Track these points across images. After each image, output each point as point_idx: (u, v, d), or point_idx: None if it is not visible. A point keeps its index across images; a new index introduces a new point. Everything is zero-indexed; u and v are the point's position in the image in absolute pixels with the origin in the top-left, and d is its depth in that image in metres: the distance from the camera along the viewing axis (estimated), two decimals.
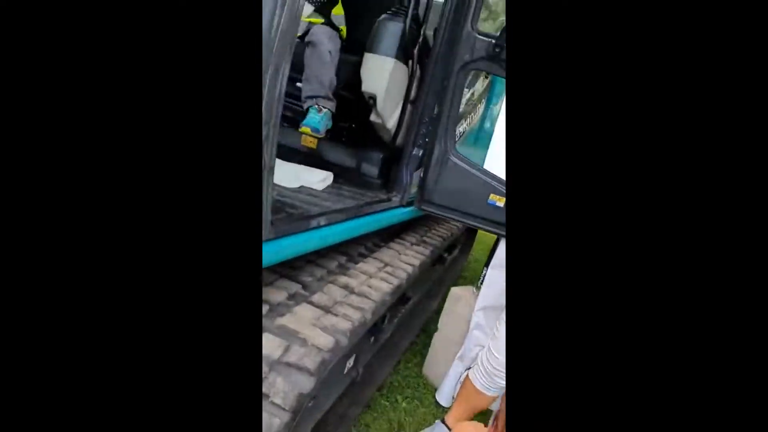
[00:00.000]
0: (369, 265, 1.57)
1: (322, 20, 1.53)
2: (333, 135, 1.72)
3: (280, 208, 1.20)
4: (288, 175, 1.49)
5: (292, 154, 1.81)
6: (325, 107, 1.41)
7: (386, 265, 1.62)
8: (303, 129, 1.42)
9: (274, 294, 1.23)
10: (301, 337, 1.08)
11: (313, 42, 1.38)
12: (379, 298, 1.36)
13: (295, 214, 1.18)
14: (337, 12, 1.63)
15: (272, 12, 0.85)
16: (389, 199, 1.61)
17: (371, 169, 1.65)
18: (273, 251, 1.09)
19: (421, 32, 1.49)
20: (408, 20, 1.42)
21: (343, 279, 1.41)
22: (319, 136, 1.47)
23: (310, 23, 1.51)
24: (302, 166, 1.63)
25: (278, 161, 1.66)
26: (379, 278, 1.49)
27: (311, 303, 1.23)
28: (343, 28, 1.67)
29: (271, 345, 1.03)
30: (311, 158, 1.77)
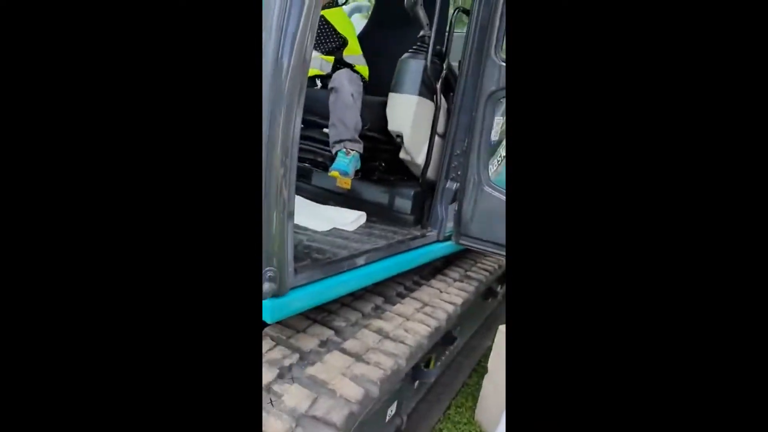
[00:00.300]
0: (406, 306, 1.52)
1: (332, 59, 1.58)
2: (365, 175, 1.73)
3: (306, 254, 1.20)
4: (319, 218, 1.50)
5: (329, 196, 1.84)
6: (352, 150, 1.43)
7: (425, 305, 1.56)
8: (332, 173, 1.44)
9: (305, 341, 1.22)
10: (330, 388, 1.04)
11: (335, 87, 1.42)
12: (416, 342, 1.29)
13: (321, 259, 1.18)
14: (351, 52, 1.67)
15: (279, 53, 0.88)
16: (423, 235, 1.56)
17: (404, 206, 1.63)
18: (298, 299, 1.09)
19: (444, 65, 1.48)
20: (429, 56, 1.42)
21: (377, 323, 1.36)
22: (349, 179, 1.48)
23: (324, 63, 1.57)
24: (334, 208, 1.64)
25: (310, 204, 1.69)
26: (416, 320, 1.43)
27: (343, 350, 1.20)
28: (364, 68, 1.71)
29: (299, 396, 1.00)
30: (347, 199, 1.79)
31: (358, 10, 3.17)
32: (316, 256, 1.19)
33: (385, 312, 1.46)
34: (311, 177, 1.91)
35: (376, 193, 1.72)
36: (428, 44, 1.43)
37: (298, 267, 1.08)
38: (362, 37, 2.03)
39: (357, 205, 1.72)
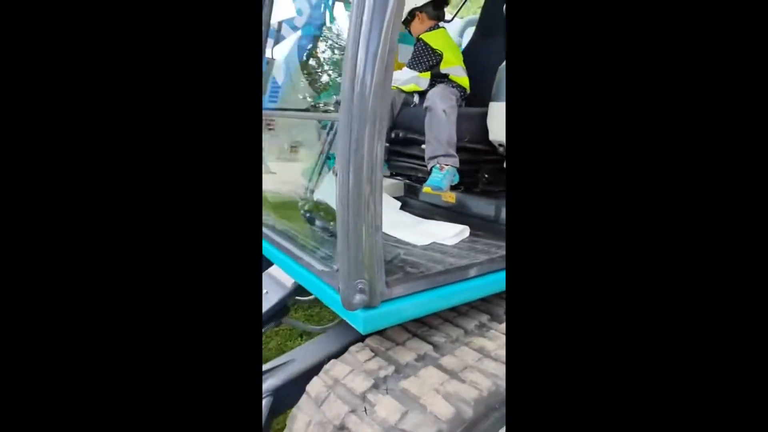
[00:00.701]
0: None
1: (428, 75, 1.60)
2: (468, 187, 1.70)
3: (400, 268, 1.23)
4: (420, 232, 1.52)
5: (435, 211, 1.85)
6: (446, 164, 1.43)
7: None
8: (425, 189, 1.46)
9: (403, 354, 1.23)
10: (422, 404, 1.04)
11: (429, 106, 1.45)
12: None
13: (415, 273, 1.19)
14: (448, 64, 1.69)
15: (362, 73, 0.93)
16: None
17: None
18: (391, 312, 1.12)
19: None
20: None
21: (480, 341, 1.30)
22: (449, 193, 1.48)
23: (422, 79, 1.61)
24: (437, 222, 1.64)
25: (414, 219, 1.72)
26: None
27: (439, 366, 1.18)
28: (464, 79, 1.70)
29: (390, 408, 1.02)
30: (453, 213, 1.77)
31: (471, 23, 3.16)
32: (410, 270, 1.21)
33: (490, 330, 1.39)
34: (418, 192, 1.95)
35: (481, 206, 1.66)
36: None
37: (390, 280, 1.12)
38: (469, 49, 2.02)
39: (463, 218, 1.69)
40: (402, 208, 1.92)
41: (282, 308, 1.86)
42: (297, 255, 1.35)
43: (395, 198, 1.97)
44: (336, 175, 1.06)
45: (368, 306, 1.07)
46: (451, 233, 1.52)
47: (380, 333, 1.32)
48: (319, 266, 1.22)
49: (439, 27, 1.76)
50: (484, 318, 1.49)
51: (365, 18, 0.92)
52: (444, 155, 1.41)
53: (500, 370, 1.17)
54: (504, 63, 1.44)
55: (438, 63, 1.69)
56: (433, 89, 1.49)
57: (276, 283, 1.81)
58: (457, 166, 1.46)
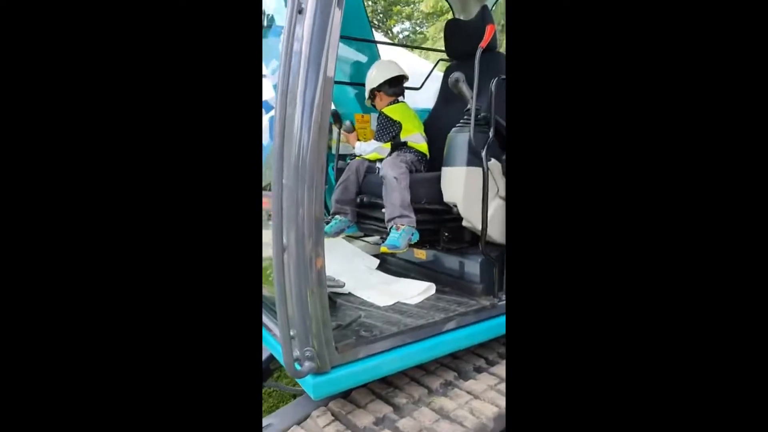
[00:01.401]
0: (480, 383, 1.42)
1: (389, 145, 1.77)
2: (432, 245, 1.77)
3: (356, 331, 1.28)
4: (386, 292, 1.58)
5: (410, 267, 1.91)
6: (402, 224, 1.54)
7: (502, 381, 1.44)
8: (382, 249, 1.56)
9: (361, 418, 1.25)
10: None
11: (382, 175, 1.61)
12: (476, 425, 1.21)
13: (367, 337, 1.24)
14: (407, 132, 1.86)
15: (300, 126, 0.98)
16: (494, 306, 1.49)
17: (473, 274, 1.59)
18: (342, 377, 1.16)
19: (491, 131, 1.48)
20: (472, 129, 1.45)
21: (441, 401, 1.32)
22: (401, 251, 1.59)
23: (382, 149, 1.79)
24: (405, 280, 1.70)
25: (385, 277, 1.79)
26: (486, 399, 1.33)
27: (395, 429, 1.20)
28: (423, 145, 1.87)
29: None
30: (426, 270, 1.83)
31: None
32: (363, 334, 1.26)
33: (455, 389, 1.40)
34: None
35: (447, 263, 1.72)
36: (472, 116, 1.47)
37: (340, 346, 1.17)
38: (431, 116, 2.17)
39: (433, 275, 1.75)
40: (380, 265, 1.99)
41: (264, 370, 1.90)
42: (263, 320, 1.42)
43: (374, 256, 2.05)
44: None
45: (318, 372, 1.12)
46: (416, 292, 1.58)
47: (345, 395, 1.35)
48: (274, 328, 1.28)
49: (398, 101, 1.95)
50: (451, 376, 1.51)
51: (300, 76, 0.98)
52: (399, 216, 1.53)
53: (454, 430, 1.18)
54: (452, 130, 1.55)
55: (398, 132, 1.86)
56: (385, 160, 1.65)
57: None
58: (414, 225, 1.55)
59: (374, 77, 1.95)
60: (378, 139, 1.88)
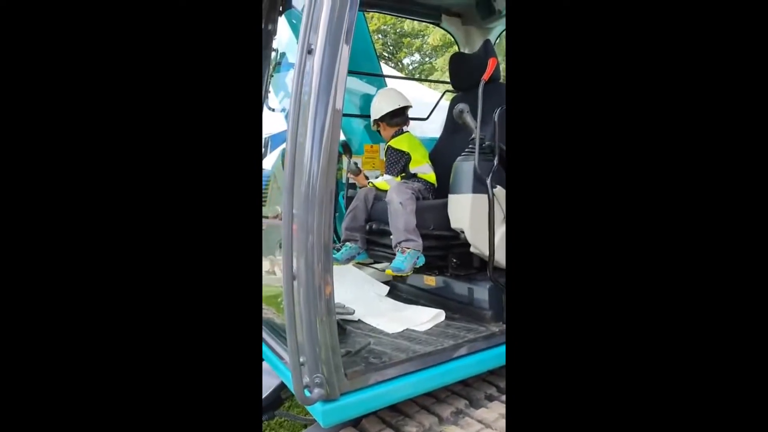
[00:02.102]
0: (491, 412, 1.40)
1: (399, 178, 1.81)
2: (441, 271, 1.78)
3: (365, 358, 1.29)
4: (395, 319, 1.59)
5: (420, 294, 1.92)
6: (407, 248, 1.57)
7: None
8: (387, 271, 1.59)
9: None
10: None
11: (387, 201, 1.66)
12: None
13: (376, 364, 1.24)
14: (416, 164, 1.91)
15: (310, 155, 1.02)
16: (503, 332, 1.48)
17: (482, 300, 1.59)
18: (351, 404, 1.16)
19: (495, 156, 1.52)
20: (476, 157, 1.49)
21: (452, 429, 1.30)
22: (406, 274, 1.61)
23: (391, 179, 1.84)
24: (414, 307, 1.71)
25: (393, 305, 1.80)
26: (497, 429, 1.31)
27: None
28: (431, 175, 1.91)
29: None
30: (436, 297, 1.84)
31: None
32: (373, 360, 1.26)
33: (465, 417, 1.38)
34: (405, 277, 2.04)
35: (456, 289, 1.73)
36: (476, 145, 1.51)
37: (349, 373, 1.17)
38: (438, 146, 2.23)
39: (442, 302, 1.75)
40: (390, 292, 2.00)
41: (274, 400, 1.89)
42: (274, 347, 1.43)
43: (384, 283, 2.06)
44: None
45: (328, 399, 1.12)
46: (425, 318, 1.58)
47: (355, 423, 1.35)
48: (286, 356, 1.29)
49: (403, 132, 2.02)
50: (462, 404, 1.49)
51: (311, 108, 1.03)
52: (404, 240, 1.56)
53: None
54: (458, 159, 1.60)
55: (407, 163, 1.93)
56: (392, 186, 1.69)
57: (268, 374, 1.87)
58: (420, 249, 1.58)
59: (378, 108, 2.01)
60: (388, 172, 1.93)
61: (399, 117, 1.98)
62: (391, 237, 1.63)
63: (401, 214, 1.58)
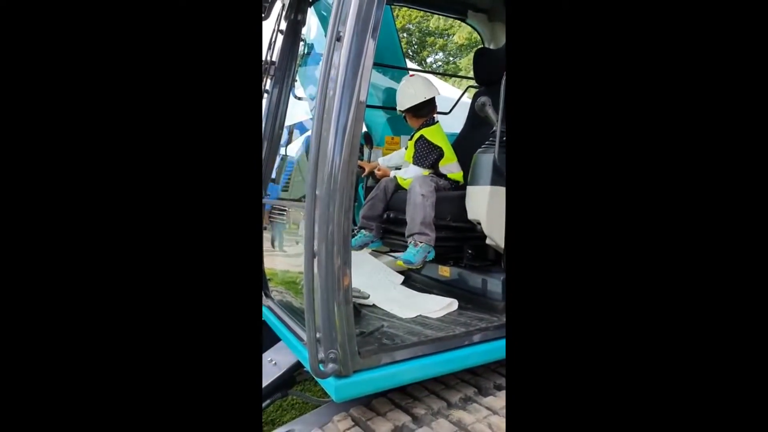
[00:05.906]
0: (499, 400, 1.43)
1: (428, 172, 1.84)
2: (456, 263, 1.81)
3: (378, 339, 1.33)
4: (409, 306, 1.62)
5: (434, 284, 1.95)
6: (420, 241, 1.60)
7: None
8: (398, 263, 1.62)
9: (380, 424, 1.29)
10: None
11: (409, 190, 1.67)
12: None
13: (389, 344, 1.29)
14: (447, 161, 1.90)
15: (333, 147, 1.06)
16: None
17: (495, 292, 1.62)
18: (363, 381, 1.20)
19: None
20: (496, 150, 1.51)
21: (459, 414, 1.34)
22: (416, 267, 1.64)
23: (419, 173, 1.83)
24: (427, 295, 1.74)
25: (407, 293, 1.83)
26: (503, 416, 1.34)
27: None
28: (458, 174, 1.91)
29: None
30: (450, 287, 1.87)
31: None
32: (385, 342, 1.31)
33: (474, 403, 1.42)
34: (420, 269, 2.08)
35: (470, 281, 1.76)
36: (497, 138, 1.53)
37: (362, 351, 1.22)
38: (459, 139, 2.25)
39: (457, 292, 1.78)
40: (404, 281, 2.04)
41: (288, 379, 1.96)
42: (291, 326, 1.49)
43: (400, 272, 2.10)
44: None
45: (341, 375, 1.17)
46: (438, 306, 1.62)
47: (366, 403, 1.39)
48: (303, 335, 1.35)
49: (435, 122, 1.98)
50: (471, 391, 1.52)
51: (336, 99, 1.07)
52: (418, 233, 1.59)
53: None
54: (478, 151, 1.62)
55: (439, 158, 1.88)
56: (415, 177, 1.71)
57: (283, 355, 1.94)
58: (432, 243, 1.61)
59: (408, 96, 1.92)
60: (417, 163, 1.87)
61: (422, 110, 1.98)
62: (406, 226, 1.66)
63: (420, 207, 1.59)
